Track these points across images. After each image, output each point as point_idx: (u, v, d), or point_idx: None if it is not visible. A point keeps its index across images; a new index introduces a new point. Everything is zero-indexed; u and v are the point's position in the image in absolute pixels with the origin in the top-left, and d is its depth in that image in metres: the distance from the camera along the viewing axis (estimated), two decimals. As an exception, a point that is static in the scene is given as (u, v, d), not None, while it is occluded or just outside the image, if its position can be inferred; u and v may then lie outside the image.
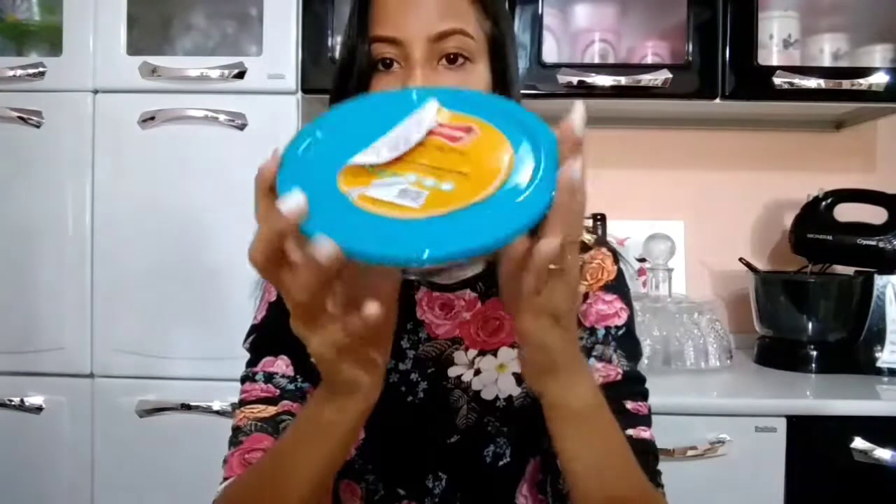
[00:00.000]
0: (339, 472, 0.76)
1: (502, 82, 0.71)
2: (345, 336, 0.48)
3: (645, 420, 0.73)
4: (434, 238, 0.44)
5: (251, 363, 0.76)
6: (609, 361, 0.75)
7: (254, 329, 0.78)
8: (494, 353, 0.75)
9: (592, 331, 0.76)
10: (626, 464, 0.61)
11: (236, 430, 0.71)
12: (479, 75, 0.69)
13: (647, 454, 0.70)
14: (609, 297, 0.78)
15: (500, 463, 0.75)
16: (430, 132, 0.49)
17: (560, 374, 0.54)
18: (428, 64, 0.66)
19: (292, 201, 0.44)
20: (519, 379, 0.75)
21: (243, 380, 0.75)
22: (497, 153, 0.48)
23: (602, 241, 0.83)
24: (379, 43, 0.67)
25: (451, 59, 0.67)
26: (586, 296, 0.78)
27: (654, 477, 0.69)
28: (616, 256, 0.81)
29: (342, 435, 0.57)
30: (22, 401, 1.41)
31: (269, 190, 0.49)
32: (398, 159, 0.47)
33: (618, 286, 0.79)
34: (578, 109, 0.48)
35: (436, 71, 0.67)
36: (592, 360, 0.75)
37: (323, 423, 0.56)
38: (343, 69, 0.71)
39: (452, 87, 0.60)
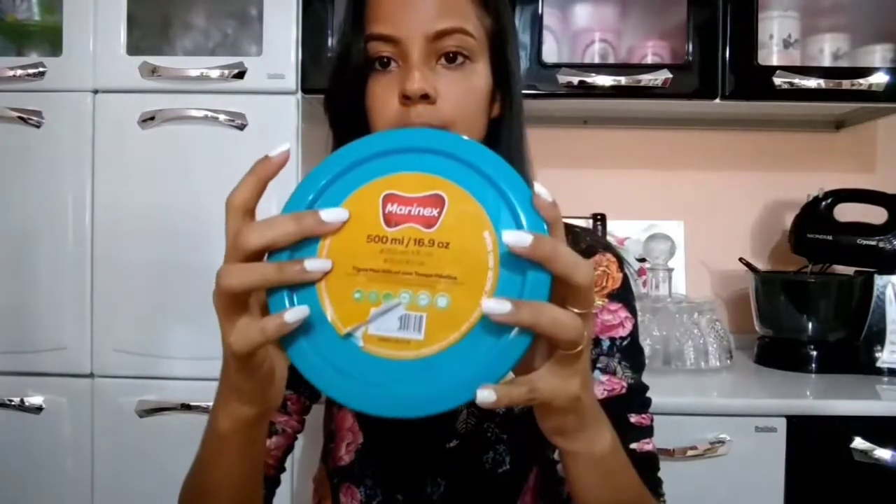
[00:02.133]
0: (339, 476, 0.77)
1: (503, 81, 0.69)
2: (259, 335, 0.46)
3: (648, 432, 0.72)
4: (459, 377, 0.44)
5: None
6: (613, 374, 0.73)
7: None
8: None
9: (597, 342, 0.74)
10: (634, 485, 0.60)
11: None
12: (479, 74, 0.67)
13: (650, 466, 0.70)
14: (614, 306, 0.76)
15: (500, 470, 0.74)
16: (404, 216, 0.47)
17: (589, 429, 0.52)
18: (426, 63, 0.64)
19: (296, 314, 0.46)
20: None
21: None
22: (474, 229, 0.46)
23: (608, 246, 0.80)
24: (375, 41, 0.65)
25: (451, 58, 0.65)
26: None
27: (656, 487, 0.69)
28: (621, 262, 0.79)
29: (239, 445, 0.56)
30: (22, 401, 1.41)
31: (242, 213, 0.50)
32: (386, 271, 0.46)
33: (623, 294, 0.77)
34: (542, 189, 0.48)
35: (434, 70, 0.65)
36: (597, 372, 0.73)
37: (219, 433, 0.55)
38: (338, 69, 0.68)
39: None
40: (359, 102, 0.67)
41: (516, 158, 0.71)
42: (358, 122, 0.68)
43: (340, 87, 0.68)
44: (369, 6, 0.66)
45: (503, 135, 0.71)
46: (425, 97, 0.63)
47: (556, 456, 0.76)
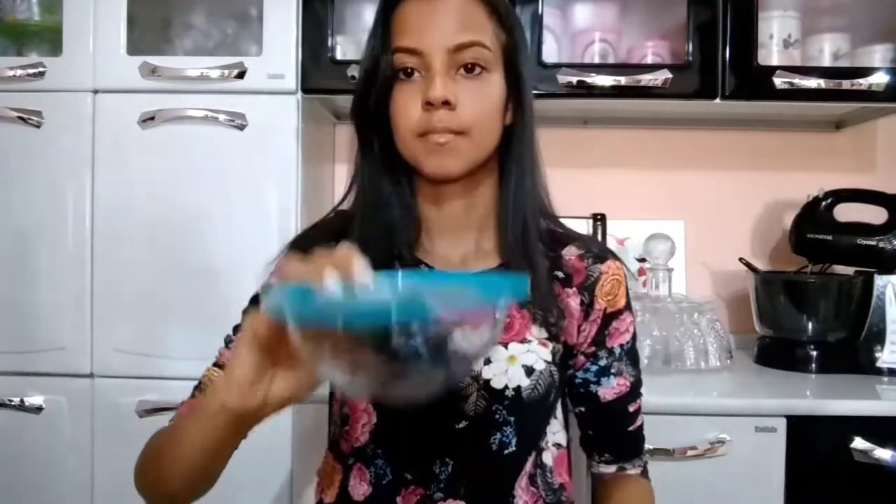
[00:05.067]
0: (354, 457, 0.80)
1: (516, 90, 0.77)
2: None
3: (639, 411, 0.87)
4: None
5: (234, 330, 0.81)
6: (621, 375, 0.84)
7: (252, 301, 0.83)
8: (505, 346, 0.78)
9: (611, 350, 0.83)
10: None
11: (197, 384, 0.79)
12: (493, 83, 0.75)
13: (641, 437, 0.88)
14: (625, 315, 0.84)
15: (506, 451, 0.77)
16: None
17: None
18: (447, 73, 0.72)
19: None
20: (528, 371, 0.78)
21: (226, 342, 0.82)
22: None
23: (615, 255, 0.86)
24: (401, 53, 0.73)
25: (469, 68, 0.73)
26: (606, 312, 0.83)
27: (642, 453, 0.88)
28: (624, 269, 0.86)
29: (215, 429, 0.58)
30: (22, 401, 1.41)
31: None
32: None
33: (630, 303, 0.85)
34: None
35: (454, 79, 0.73)
36: (612, 377, 0.83)
37: (208, 411, 0.58)
38: (367, 77, 0.77)
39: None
40: (384, 109, 0.75)
41: (528, 161, 0.79)
42: (381, 126, 0.76)
43: (368, 95, 0.76)
44: (395, 22, 0.74)
45: (516, 140, 0.78)
46: (446, 103, 0.71)
47: (542, 444, 0.82)
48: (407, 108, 0.73)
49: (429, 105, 0.71)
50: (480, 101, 0.73)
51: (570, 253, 0.83)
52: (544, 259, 0.80)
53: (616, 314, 0.83)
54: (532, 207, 0.80)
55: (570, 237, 0.85)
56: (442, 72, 0.72)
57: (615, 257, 0.86)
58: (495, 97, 0.75)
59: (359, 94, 0.78)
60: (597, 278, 0.82)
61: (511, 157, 0.79)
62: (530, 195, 0.79)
